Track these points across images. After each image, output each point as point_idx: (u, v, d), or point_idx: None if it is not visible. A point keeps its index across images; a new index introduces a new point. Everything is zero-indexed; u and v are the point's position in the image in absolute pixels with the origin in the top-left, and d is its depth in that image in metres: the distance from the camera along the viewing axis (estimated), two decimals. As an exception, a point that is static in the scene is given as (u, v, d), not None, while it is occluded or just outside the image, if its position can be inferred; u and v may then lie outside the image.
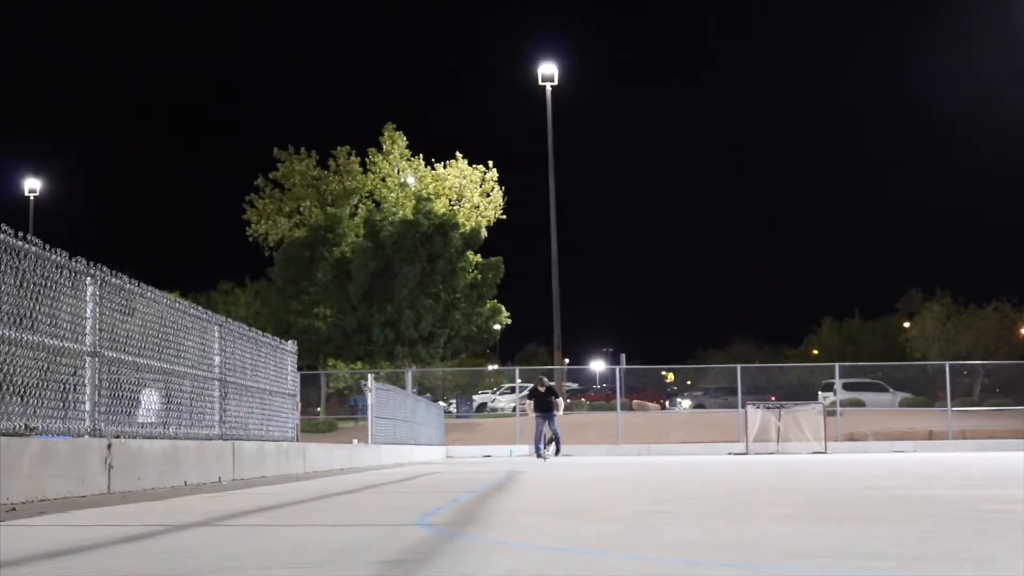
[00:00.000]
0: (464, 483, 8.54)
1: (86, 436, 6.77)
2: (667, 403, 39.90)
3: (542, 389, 20.81)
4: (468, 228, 37.53)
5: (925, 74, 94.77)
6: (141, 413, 7.96)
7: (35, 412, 6.18)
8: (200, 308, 9.56)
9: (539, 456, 20.25)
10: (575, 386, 46.38)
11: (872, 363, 42.69)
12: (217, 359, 9.61)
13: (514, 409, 33.61)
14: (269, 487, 8.02)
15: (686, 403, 40.22)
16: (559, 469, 11.60)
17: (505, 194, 40.47)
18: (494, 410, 40.05)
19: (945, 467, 12.07)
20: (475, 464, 17.31)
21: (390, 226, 35.83)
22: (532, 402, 20.79)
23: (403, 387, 27.11)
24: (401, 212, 37.49)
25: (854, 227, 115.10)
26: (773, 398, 27.24)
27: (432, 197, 38.33)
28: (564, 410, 39.28)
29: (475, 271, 36.68)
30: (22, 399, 6.07)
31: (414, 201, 37.89)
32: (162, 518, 4.63)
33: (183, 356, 8.77)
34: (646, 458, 21.86)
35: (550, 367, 41.98)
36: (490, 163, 40.53)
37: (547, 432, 20.63)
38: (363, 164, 41.30)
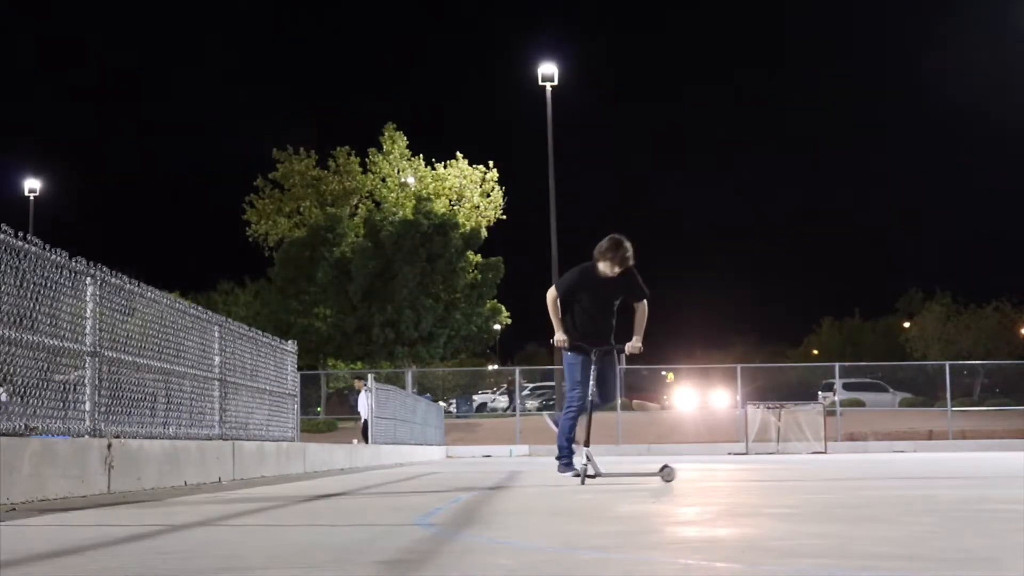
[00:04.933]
0: (464, 483, 8.54)
1: (86, 436, 6.77)
2: (665, 402, 39.95)
3: (612, 271, 7.84)
4: (468, 228, 37.59)
5: (926, 72, 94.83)
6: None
7: (35, 412, 6.18)
8: (200, 308, 9.56)
9: (565, 465, 8.08)
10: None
11: (872, 363, 42.74)
12: (217, 359, 9.61)
13: (514, 409, 33.61)
14: (269, 487, 8.02)
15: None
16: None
17: (505, 194, 40.54)
18: (494, 410, 40.04)
19: (945, 467, 12.07)
20: (475, 464, 17.31)
21: (390, 226, 35.87)
22: (569, 308, 8.00)
23: (403, 387, 27.11)
24: (401, 212, 37.54)
25: (854, 227, 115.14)
26: (769, 405, 27.20)
27: (432, 197, 38.39)
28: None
29: (475, 271, 36.73)
30: (22, 399, 6.07)
31: (414, 201, 37.94)
32: (162, 518, 4.63)
33: (183, 356, 8.77)
34: (646, 458, 21.86)
35: (550, 367, 42.04)
36: (490, 163, 40.63)
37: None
38: (363, 164, 41.37)
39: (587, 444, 7.52)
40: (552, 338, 7.98)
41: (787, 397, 29.09)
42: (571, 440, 8.09)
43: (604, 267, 7.87)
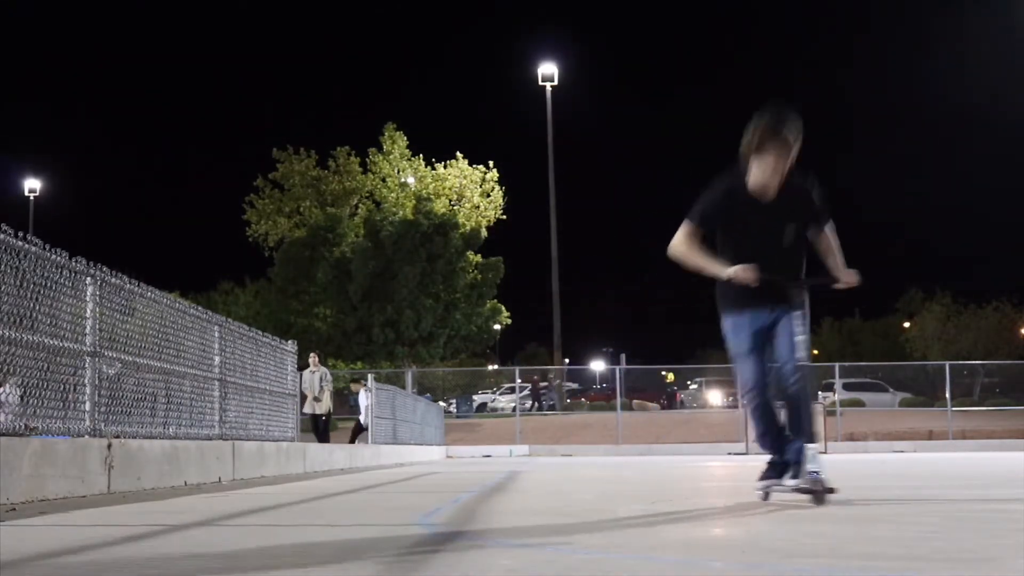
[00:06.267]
0: (464, 483, 8.54)
1: (86, 436, 6.77)
2: (666, 401, 39.96)
3: (775, 171, 4.94)
4: (468, 228, 37.59)
5: (925, 72, 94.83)
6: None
7: (35, 412, 6.18)
8: (200, 308, 9.56)
9: (774, 473, 5.12)
10: (575, 386, 46.40)
11: (872, 363, 42.68)
12: (217, 359, 9.61)
13: (514, 409, 33.56)
14: (269, 487, 8.02)
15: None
16: (558, 469, 11.61)
17: (505, 194, 40.52)
18: (494, 410, 40.02)
19: (945, 467, 12.07)
20: (475, 464, 17.31)
21: (390, 226, 35.87)
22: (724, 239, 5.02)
23: (403, 387, 27.11)
24: (401, 212, 37.54)
25: (854, 227, 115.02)
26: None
27: (432, 197, 38.37)
28: (563, 408, 39.41)
29: (475, 271, 36.73)
30: (22, 399, 6.07)
31: (414, 201, 37.93)
32: (162, 518, 4.63)
33: (183, 356, 8.77)
34: (646, 458, 21.86)
35: (550, 367, 42.05)
36: (490, 163, 40.62)
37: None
38: (363, 164, 41.36)
39: (811, 440, 4.91)
40: (716, 287, 5.09)
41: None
42: (772, 435, 5.12)
43: (763, 170, 4.96)
